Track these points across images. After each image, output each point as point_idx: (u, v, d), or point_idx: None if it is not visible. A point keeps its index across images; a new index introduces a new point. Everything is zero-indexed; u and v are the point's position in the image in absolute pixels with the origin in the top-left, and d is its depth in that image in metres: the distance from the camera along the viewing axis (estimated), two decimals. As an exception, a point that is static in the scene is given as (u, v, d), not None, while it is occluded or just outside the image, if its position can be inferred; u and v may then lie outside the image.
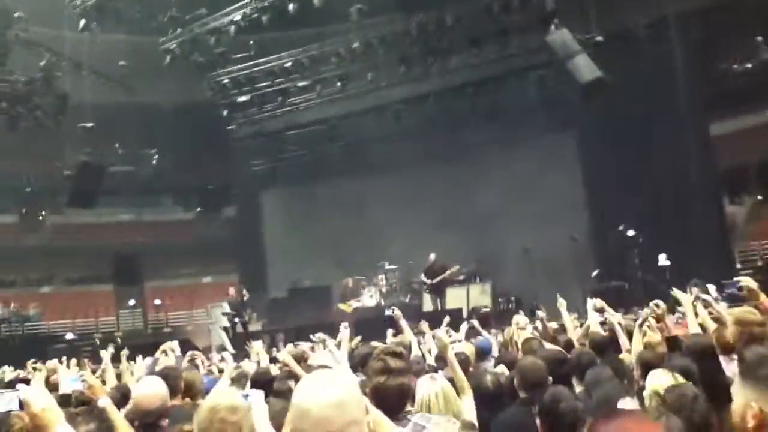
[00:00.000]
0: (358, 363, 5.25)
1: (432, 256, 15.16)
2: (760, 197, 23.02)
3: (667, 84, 15.23)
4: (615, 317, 6.40)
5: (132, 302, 21.35)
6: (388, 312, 6.64)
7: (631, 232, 14.16)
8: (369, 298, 16.49)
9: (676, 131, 15.38)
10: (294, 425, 1.69)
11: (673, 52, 15.27)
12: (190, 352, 6.86)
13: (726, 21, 18.30)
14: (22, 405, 2.01)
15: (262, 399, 3.10)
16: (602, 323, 6.49)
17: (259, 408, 2.95)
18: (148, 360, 6.98)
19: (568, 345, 5.71)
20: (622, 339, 5.65)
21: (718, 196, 17.38)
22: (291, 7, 15.54)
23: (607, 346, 5.48)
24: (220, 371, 6.19)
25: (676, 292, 5.81)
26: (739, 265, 17.40)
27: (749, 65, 21.05)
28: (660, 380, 3.46)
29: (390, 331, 7.37)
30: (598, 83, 13.80)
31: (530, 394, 3.84)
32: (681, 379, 3.41)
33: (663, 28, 15.51)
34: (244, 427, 2.42)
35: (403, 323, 5.91)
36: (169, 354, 6.83)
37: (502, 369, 5.06)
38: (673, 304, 6.88)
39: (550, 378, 3.99)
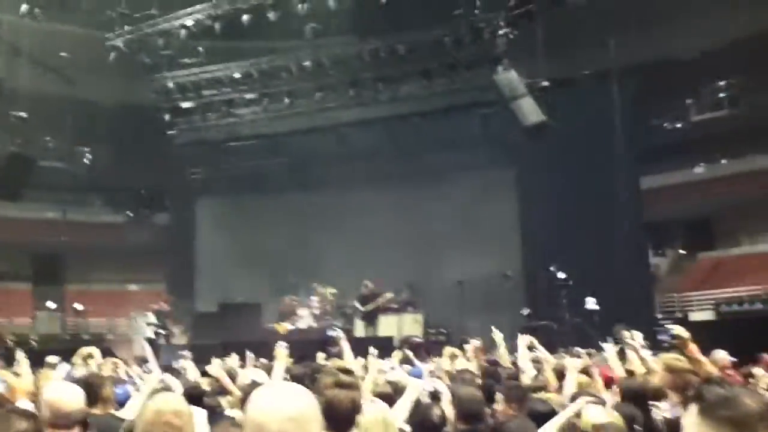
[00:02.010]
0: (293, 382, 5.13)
1: (365, 283, 15.11)
2: (682, 251, 24.15)
3: (605, 133, 15.84)
4: (546, 356, 6.53)
5: (51, 304, 20.25)
6: (330, 332, 6.57)
7: (561, 274, 14.50)
8: (301, 320, 16.26)
9: (609, 179, 15.95)
10: None
11: (613, 103, 15.90)
12: (111, 359, 6.58)
13: (662, 80, 19.26)
14: None
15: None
16: (534, 361, 6.58)
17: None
18: (65, 367, 6.66)
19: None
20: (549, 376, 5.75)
21: (643, 247, 18.06)
22: (245, 17, 15.43)
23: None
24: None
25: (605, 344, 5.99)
26: (659, 315, 18.12)
27: (679, 125, 22.17)
28: (597, 416, 3.52)
29: (321, 355, 7.26)
30: (541, 126, 14.21)
31: (469, 425, 3.83)
32: (618, 420, 3.48)
33: (605, 80, 16.17)
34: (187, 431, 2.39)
35: (344, 344, 5.79)
36: (89, 361, 6.53)
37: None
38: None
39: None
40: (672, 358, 4.75)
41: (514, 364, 6.86)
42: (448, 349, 7.78)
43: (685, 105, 21.75)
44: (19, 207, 20.71)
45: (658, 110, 21.97)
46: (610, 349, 6.50)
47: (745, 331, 12.72)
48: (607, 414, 3.56)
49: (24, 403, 3.37)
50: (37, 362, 6.48)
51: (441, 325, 15.31)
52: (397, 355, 5.94)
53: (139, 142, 21.09)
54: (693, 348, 5.03)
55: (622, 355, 6.40)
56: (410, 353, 6.56)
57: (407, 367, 7.31)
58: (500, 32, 14.72)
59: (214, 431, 3.27)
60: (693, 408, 1.68)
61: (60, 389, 3.38)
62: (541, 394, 5.14)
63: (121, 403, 4.60)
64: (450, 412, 4.33)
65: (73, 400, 3.29)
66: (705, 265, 22.75)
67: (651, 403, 4.45)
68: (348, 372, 2.76)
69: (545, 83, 14.76)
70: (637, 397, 4.26)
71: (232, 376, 5.95)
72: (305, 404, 1.67)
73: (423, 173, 18.01)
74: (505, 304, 15.25)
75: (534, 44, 14.66)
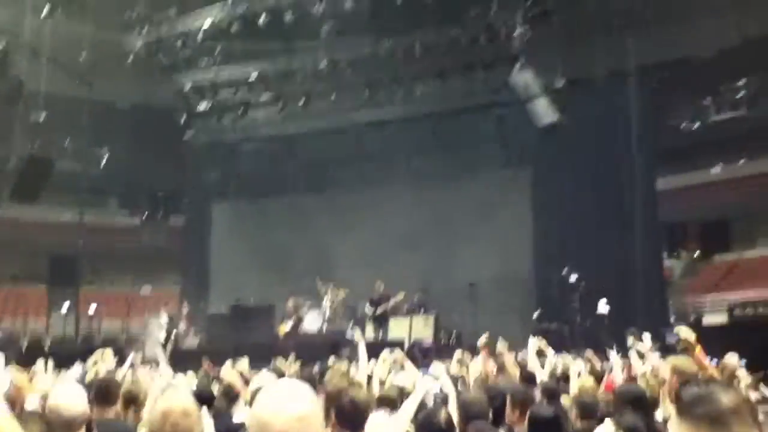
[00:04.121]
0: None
1: (377, 285, 15.12)
2: (697, 253, 23.93)
3: (621, 134, 15.74)
4: (555, 360, 6.56)
5: (66, 306, 20.37)
6: (349, 334, 6.56)
7: (574, 276, 14.43)
8: (312, 322, 16.25)
9: (625, 180, 15.85)
10: None
11: (630, 104, 15.80)
12: (132, 357, 6.67)
13: (680, 80, 19.11)
14: None
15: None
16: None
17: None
18: (78, 368, 6.74)
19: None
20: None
21: (658, 249, 17.94)
22: (262, 18, 15.53)
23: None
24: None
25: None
26: (672, 318, 17.97)
27: (697, 125, 21.99)
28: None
29: (332, 358, 7.31)
30: (556, 127, 14.18)
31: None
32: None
33: (622, 80, 16.06)
34: (196, 431, 2.43)
35: (362, 347, 5.77)
36: (100, 363, 6.59)
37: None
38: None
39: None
40: (680, 360, 4.75)
41: (524, 367, 6.87)
42: (458, 353, 7.80)
43: (703, 105, 21.59)
44: (35, 209, 20.89)
45: (676, 110, 21.81)
46: (614, 356, 6.52)
47: (759, 335, 12.62)
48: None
49: (32, 402, 3.42)
50: (53, 364, 6.57)
51: (452, 328, 15.28)
52: (385, 359, 5.77)
53: (155, 144, 21.29)
54: (699, 351, 5.02)
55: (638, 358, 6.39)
56: (403, 358, 6.46)
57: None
58: (516, 32, 14.67)
59: None
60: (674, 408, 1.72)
61: (63, 393, 3.35)
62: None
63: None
64: (455, 415, 4.37)
65: (75, 404, 3.27)
66: (720, 268, 22.52)
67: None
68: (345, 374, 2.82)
69: (561, 82, 14.73)
70: (632, 403, 4.25)
71: (244, 379, 6.01)
72: (309, 404, 1.70)
73: (438, 174, 18.00)
74: (518, 306, 15.21)
75: (550, 43, 14.64)
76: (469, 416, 4.01)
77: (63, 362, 7.27)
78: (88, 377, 5.71)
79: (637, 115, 15.87)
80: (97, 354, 6.61)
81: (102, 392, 4.08)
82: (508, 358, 6.69)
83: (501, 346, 6.70)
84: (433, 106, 17.47)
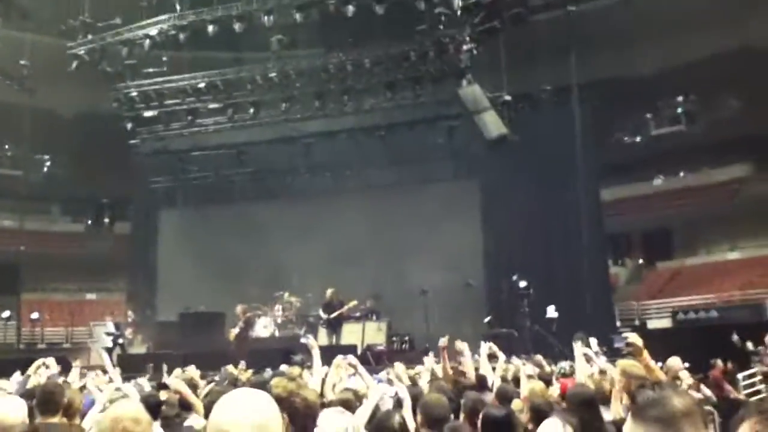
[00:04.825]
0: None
1: (329, 291, 15.11)
2: (640, 261, 24.69)
3: (566, 147, 16.13)
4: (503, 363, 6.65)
5: (6, 314, 19.74)
6: (303, 339, 6.51)
7: (523, 283, 14.71)
8: (263, 328, 16.16)
9: (570, 191, 16.25)
10: None
11: (574, 118, 16.23)
12: (76, 365, 6.48)
13: (622, 95, 19.78)
14: None
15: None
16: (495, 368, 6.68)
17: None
18: (18, 376, 6.51)
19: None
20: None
21: (603, 257, 18.42)
22: (211, 28, 15.40)
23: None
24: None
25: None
26: (618, 323, 18.48)
27: (638, 139, 22.74)
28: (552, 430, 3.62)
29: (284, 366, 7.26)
30: (503, 139, 14.46)
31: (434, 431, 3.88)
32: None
33: (566, 95, 16.52)
34: None
35: (315, 353, 5.75)
36: (42, 371, 6.37)
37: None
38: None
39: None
40: (629, 364, 4.88)
41: (477, 370, 6.95)
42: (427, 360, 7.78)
43: (645, 120, 22.34)
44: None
45: (618, 124, 22.53)
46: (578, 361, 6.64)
47: (700, 338, 13.08)
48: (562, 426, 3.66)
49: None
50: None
51: (404, 333, 15.37)
52: (339, 364, 5.73)
53: (100, 151, 20.79)
54: (646, 355, 5.17)
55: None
56: (356, 363, 6.44)
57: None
58: (464, 47, 14.95)
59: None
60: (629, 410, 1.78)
61: (2, 403, 3.26)
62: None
63: (82, 413, 4.51)
64: (410, 418, 4.38)
65: (13, 414, 3.18)
66: (663, 275, 23.27)
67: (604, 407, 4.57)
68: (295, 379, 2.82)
69: (508, 97, 15.05)
70: (583, 404, 4.34)
71: (193, 386, 5.91)
72: (268, 411, 1.69)
73: (388, 184, 18.11)
74: (468, 312, 15.39)
75: (497, 60, 14.95)
76: (431, 418, 4.02)
77: (4, 370, 7.00)
78: (30, 385, 5.52)
79: (581, 130, 16.30)
80: (39, 362, 6.38)
81: (45, 400, 3.97)
82: (466, 359, 6.74)
83: (460, 344, 6.76)
84: (383, 118, 17.63)
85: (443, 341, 7.00)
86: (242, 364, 8.45)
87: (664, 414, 1.68)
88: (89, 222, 25.49)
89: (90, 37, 16.24)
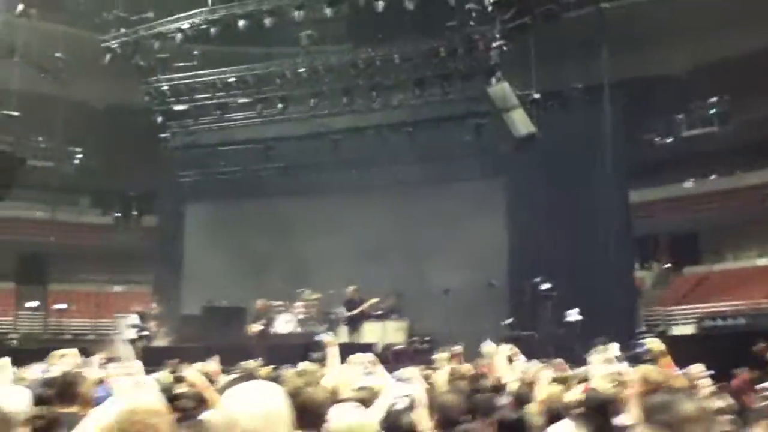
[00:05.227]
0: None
1: (350, 289, 15.15)
2: (667, 265, 24.32)
3: (595, 146, 15.97)
4: (527, 366, 6.60)
5: (33, 303, 20.14)
6: (320, 336, 6.52)
7: (546, 285, 14.58)
8: (284, 324, 16.24)
9: (598, 192, 16.07)
10: None
11: (604, 117, 16.04)
12: (97, 357, 6.58)
13: (653, 95, 19.49)
14: None
15: None
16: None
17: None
18: (42, 366, 6.63)
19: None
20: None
21: (630, 260, 18.18)
22: (241, 23, 15.51)
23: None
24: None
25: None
26: (643, 328, 18.21)
27: (669, 140, 22.38)
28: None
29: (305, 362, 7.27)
30: (532, 138, 14.33)
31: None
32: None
33: (597, 94, 16.33)
34: (163, 431, 2.39)
35: (332, 350, 5.75)
36: (63, 361, 6.48)
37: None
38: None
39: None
40: (649, 369, 4.82)
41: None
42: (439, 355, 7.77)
43: (676, 120, 21.98)
44: (6, 205, 20.67)
45: (649, 125, 22.19)
46: (594, 364, 6.56)
47: (725, 346, 12.83)
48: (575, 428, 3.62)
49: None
50: (17, 362, 6.46)
51: (425, 333, 15.34)
52: (356, 362, 5.73)
53: (130, 144, 21.12)
54: (667, 361, 5.10)
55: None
56: (374, 361, 6.46)
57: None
58: (494, 44, 14.81)
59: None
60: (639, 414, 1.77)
61: (4, 393, 3.31)
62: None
63: (100, 404, 4.57)
64: (425, 419, 4.37)
65: (15, 403, 3.23)
66: (690, 280, 22.91)
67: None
68: (314, 376, 2.82)
69: (537, 95, 14.90)
70: (597, 409, 4.30)
71: (211, 380, 5.95)
72: (276, 402, 1.72)
73: (414, 181, 18.08)
74: (490, 313, 15.30)
75: (527, 57, 14.81)
76: (446, 419, 4.02)
77: (31, 359, 7.15)
78: (51, 375, 5.62)
79: (610, 129, 16.10)
80: (59, 353, 6.49)
81: (64, 389, 4.05)
82: (496, 361, 6.71)
83: (488, 347, 6.74)
84: (411, 115, 17.58)
85: (457, 349, 6.98)
86: (258, 360, 8.47)
87: (672, 419, 1.68)
88: (118, 214, 25.89)
89: (123, 30, 16.45)
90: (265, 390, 1.76)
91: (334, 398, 4.44)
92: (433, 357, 7.29)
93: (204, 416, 4.77)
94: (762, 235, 21.79)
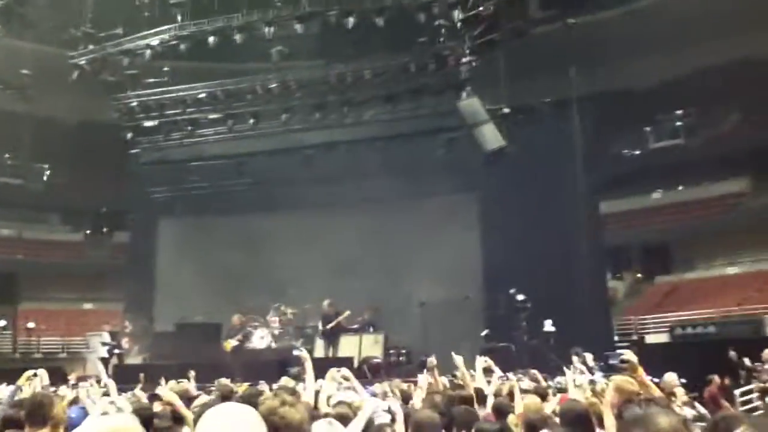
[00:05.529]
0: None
1: (325, 303, 15.10)
2: (639, 275, 24.63)
3: (565, 159, 16.17)
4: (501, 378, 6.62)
5: (2, 323, 19.73)
6: (295, 351, 6.47)
7: (520, 297, 14.68)
8: (260, 339, 16.11)
9: (569, 204, 16.24)
10: None
11: (573, 130, 16.26)
12: (73, 376, 6.46)
13: (621, 109, 19.84)
14: None
15: None
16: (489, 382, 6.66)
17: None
18: (10, 387, 6.47)
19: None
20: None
21: (602, 271, 18.38)
22: (211, 39, 15.47)
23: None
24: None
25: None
26: (616, 337, 18.41)
27: (638, 152, 22.76)
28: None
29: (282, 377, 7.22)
30: (502, 153, 14.49)
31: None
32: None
33: (566, 108, 16.57)
34: None
35: (308, 365, 5.71)
36: (34, 382, 6.34)
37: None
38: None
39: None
40: (624, 379, 4.87)
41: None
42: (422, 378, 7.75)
43: (644, 133, 22.36)
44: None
45: (617, 138, 22.56)
46: (569, 375, 6.62)
47: (698, 353, 13.03)
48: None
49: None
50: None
51: (402, 346, 15.34)
52: (333, 376, 5.71)
53: (100, 161, 20.87)
54: (641, 371, 5.15)
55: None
56: (350, 375, 6.44)
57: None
58: (464, 60, 15.01)
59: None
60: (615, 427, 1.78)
61: None
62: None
63: (74, 425, 4.47)
64: (402, 432, 4.36)
65: None
66: (661, 289, 23.21)
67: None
68: (291, 392, 2.79)
69: (507, 110, 15.08)
70: (575, 421, 4.33)
71: (188, 398, 5.88)
72: (254, 425, 1.70)
73: (387, 196, 18.09)
74: (466, 325, 15.33)
75: (496, 72, 15.01)
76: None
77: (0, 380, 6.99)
78: (22, 395, 5.49)
79: (580, 142, 16.32)
80: (29, 373, 6.33)
81: (34, 411, 3.94)
82: (461, 372, 6.71)
83: (456, 357, 6.74)
84: (383, 130, 17.63)
85: (431, 361, 6.99)
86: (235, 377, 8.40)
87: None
88: (88, 231, 25.51)
89: (91, 47, 16.31)
90: (242, 414, 1.75)
91: (312, 416, 4.42)
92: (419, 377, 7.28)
93: (179, 436, 4.72)
94: (731, 245, 22.19)
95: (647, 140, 22.32)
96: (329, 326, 14.76)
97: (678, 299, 21.63)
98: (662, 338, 19.06)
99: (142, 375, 8.94)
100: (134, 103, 17.42)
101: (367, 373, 7.98)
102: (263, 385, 7.64)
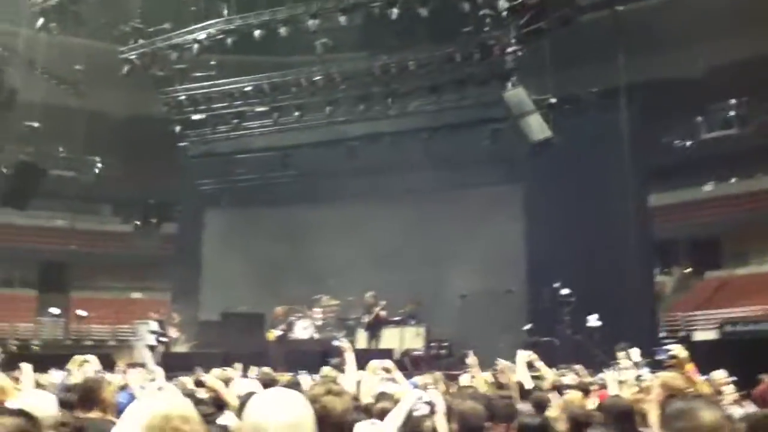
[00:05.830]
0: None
1: (368, 295, 15.18)
2: (688, 270, 24.04)
3: (612, 150, 15.84)
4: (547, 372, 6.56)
5: (55, 310, 20.44)
6: (336, 342, 6.51)
7: (565, 291, 14.48)
8: (302, 330, 16.30)
9: (617, 197, 15.94)
10: None
11: (621, 121, 15.91)
12: (121, 363, 6.65)
13: (671, 98, 19.32)
14: None
15: None
16: (535, 377, 6.60)
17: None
18: (61, 373, 6.70)
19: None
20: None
21: (650, 265, 17.99)
22: (257, 32, 15.63)
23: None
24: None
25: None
26: (663, 334, 18.01)
27: (689, 142, 22.16)
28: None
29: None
30: (548, 143, 14.27)
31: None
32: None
33: (613, 97, 16.21)
34: None
35: (349, 355, 5.73)
36: (84, 367, 6.54)
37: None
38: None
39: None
40: (671, 375, 4.77)
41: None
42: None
43: (695, 123, 21.75)
44: (28, 215, 21.05)
45: (667, 128, 21.97)
46: (611, 373, 6.52)
47: (748, 351, 12.65)
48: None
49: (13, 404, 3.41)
50: (39, 368, 6.53)
51: (443, 339, 15.30)
52: (374, 368, 5.71)
53: (149, 154, 21.38)
54: (690, 368, 5.04)
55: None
56: (392, 367, 6.44)
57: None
58: (509, 49, 14.80)
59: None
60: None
61: (32, 397, 3.34)
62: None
63: (123, 409, 4.59)
64: (443, 425, 4.35)
65: (42, 408, 3.22)
66: (711, 284, 22.63)
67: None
68: (335, 382, 2.80)
69: (553, 100, 14.84)
70: (618, 418, 4.26)
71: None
72: (301, 411, 1.73)
73: (430, 188, 18.05)
74: (508, 319, 15.22)
75: (542, 62, 14.75)
76: (466, 427, 4.00)
77: (52, 365, 7.24)
78: (71, 381, 5.68)
79: (628, 132, 15.97)
80: (79, 359, 6.53)
81: (85, 395, 4.08)
82: (507, 374, 6.68)
83: (502, 363, 6.72)
84: (427, 121, 17.57)
85: (471, 361, 6.95)
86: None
87: (692, 426, 1.65)
88: (137, 222, 26.16)
89: (141, 42, 16.65)
90: (290, 398, 1.77)
91: (354, 406, 4.44)
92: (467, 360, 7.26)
93: (223, 421, 4.80)
94: (784, 239, 21.52)
95: (698, 130, 21.70)
96: (369, 318, 14.84)
97: (728, 295, 21.05)
98: (710, 335, 18.57)
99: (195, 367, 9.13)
100: (182, 97, 17.77)
101: (408, 365, 7.99)
102: (304, 375, 7.74)
